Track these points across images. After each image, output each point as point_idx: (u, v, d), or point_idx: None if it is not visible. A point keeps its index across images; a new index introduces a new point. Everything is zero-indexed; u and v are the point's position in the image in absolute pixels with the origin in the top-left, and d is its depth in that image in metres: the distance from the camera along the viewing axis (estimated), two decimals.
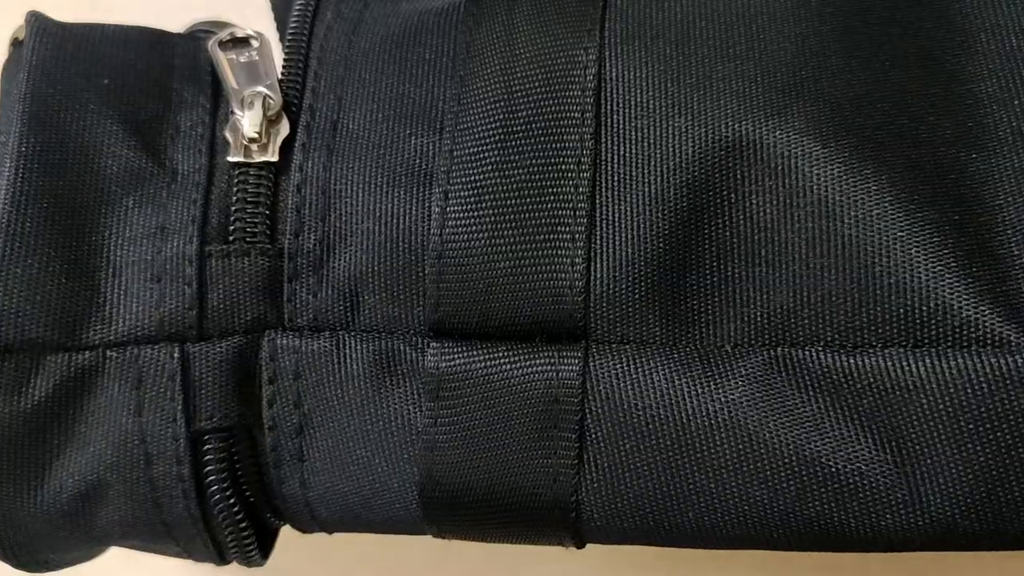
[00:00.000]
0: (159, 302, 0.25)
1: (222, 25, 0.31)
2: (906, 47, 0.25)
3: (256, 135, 0.25)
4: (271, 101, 0.26)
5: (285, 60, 0.27)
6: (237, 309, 0.25)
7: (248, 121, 0.26)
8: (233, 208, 0.25)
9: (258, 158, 0.26)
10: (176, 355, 0.24)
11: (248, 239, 0.25)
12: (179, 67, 0.27)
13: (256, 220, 0.25)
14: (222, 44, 0.27)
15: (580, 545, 0.25)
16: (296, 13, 0.28)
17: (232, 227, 0.25)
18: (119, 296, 0.25)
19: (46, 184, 0.24)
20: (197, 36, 0.29)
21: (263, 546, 0.27)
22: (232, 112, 0.26)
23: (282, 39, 0.31)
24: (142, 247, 0.25)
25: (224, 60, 0.27)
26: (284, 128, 0.26)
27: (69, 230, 0.25)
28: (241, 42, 0.27)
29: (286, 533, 0.28)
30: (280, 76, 0.27)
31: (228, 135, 0.26)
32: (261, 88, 0.26)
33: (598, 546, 0.25)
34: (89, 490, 0.25)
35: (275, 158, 0.26)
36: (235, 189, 0.25)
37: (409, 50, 0.26)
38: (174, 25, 0.30)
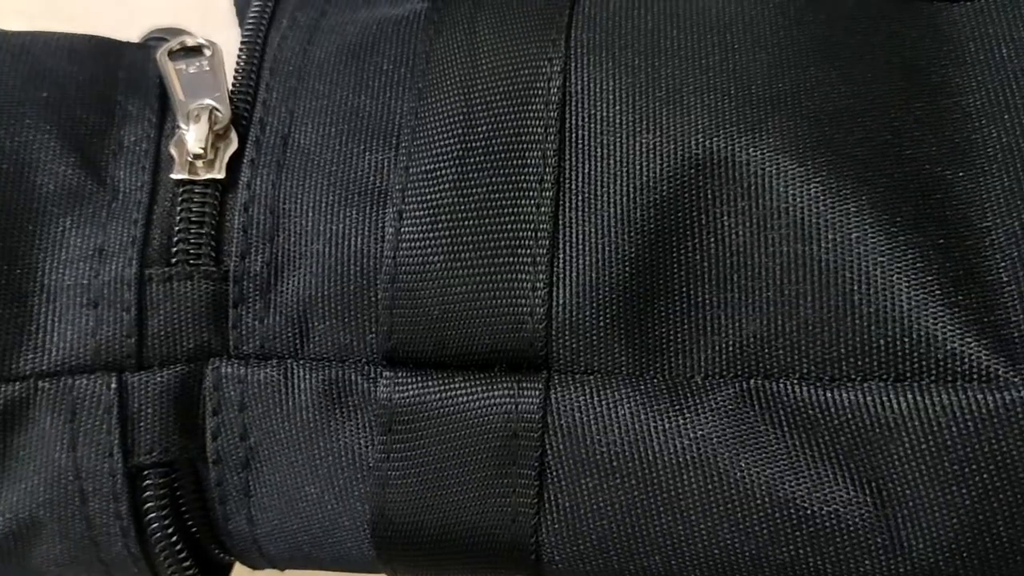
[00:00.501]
0: (95, 329, 0.23)
1: (177, 33, 0.29)
2: (890, 57, 0.23)
3: (201, 151, 0.24)
4: (219, 114, 0.25)
5: (237, 70, 0.26)
6: (179, 336, 0.24)
7: (193, 135, 0.24)
8: (176, 228, 0.24)
9: (204, 175, 0.24)
10: (113, 385, 0.23)
11: (191, 261, 0.24)
12: (124, 79, 0.26)
13: (200, 241, 0.24)
14: (172, 54, 0.26)
15: None
16: (251, 21, 0.27)
17: (175, 248, 0.24)
18: (53, 322, 0.23)
19: None
20: (148, 45, 0.27)
21: None
22: (178, 127, 0.25)
23: None
24: (79, 270, 0.23)
25: (172, 70, 0.25)
26: (233, 143, 0.25)
27: (1, 252, 0.23)
28: (193, 51, 0.26)
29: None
30: (232, 87, 0.25)
31: (173, 151, 0.25)
32: (209, 101, 0.25)
33: None
34: (22, 528, 0.23)
35: (222, 175, 0.24)
36: (179, 208, 0.24)
37: (366, 60, 0.25)
38: (135, 31, 0.29)
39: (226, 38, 0.32)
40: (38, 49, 0.26)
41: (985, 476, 0.20)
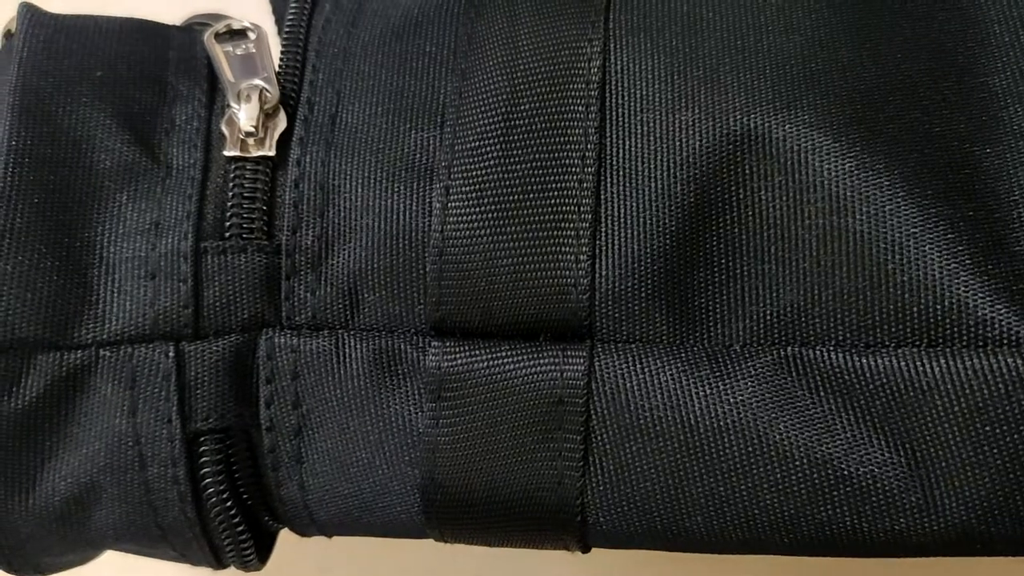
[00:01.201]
0: (153, 300, 0.24)
1: (219, 18, 0.30)
2: (918, 39, 0.24)
3: (253, 129, 0.25)
4: (268, 94, 0.25)
5: (283, 53, 0.27)
6: (234, 307, 0.24)
7: (245, 115, 0.25)
8: (229, 204, 0.25)
9: (255, 152, 0.25)
10: (171, 354, 0.24)
11: (245, 235, 0.25)
12: (174, 60, 0.27)
13: (253, 216, 0.25)
14: (218, 36, 0.27)
15: (585, 550, 0.25)
16: (294, 5, 0.27)
17: (228, 223, 0.25)
18: (112, 294, 0.24)
19: (37, 179, 0.24)
20: (193, 29, 0.28)
21: (261, 550, 0.26)
22: (228, 106, 0.25)
23: (280, 34, 0.31)
24: (136, 243, 0.24)
25: (220, 52, 0.26)
26: (281, 122, 0.25)
27: (61, 226, 0.24)
28: (238, 34, 0.27)
29: (285, 537, 0.28)
30: (277, 69, 0.26)
31: (224, 129, 0.25)
32: (258, 81, 0.26)
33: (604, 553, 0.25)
34: (82, 493, 0.24)
35: (272, 152, 0.25)
36: (231, 184, 0.25)
37: (409, 42, 0.26)
38: (172, 19, 0.30)
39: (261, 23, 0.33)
40: (91, 31, 0.26)
41: (1016, 436, 0.21)
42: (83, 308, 0.24)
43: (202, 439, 0.24)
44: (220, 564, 0.26)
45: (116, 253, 0.24)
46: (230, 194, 0.25)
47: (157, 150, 0.25)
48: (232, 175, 0.25)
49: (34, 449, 0.24)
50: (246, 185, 0.25)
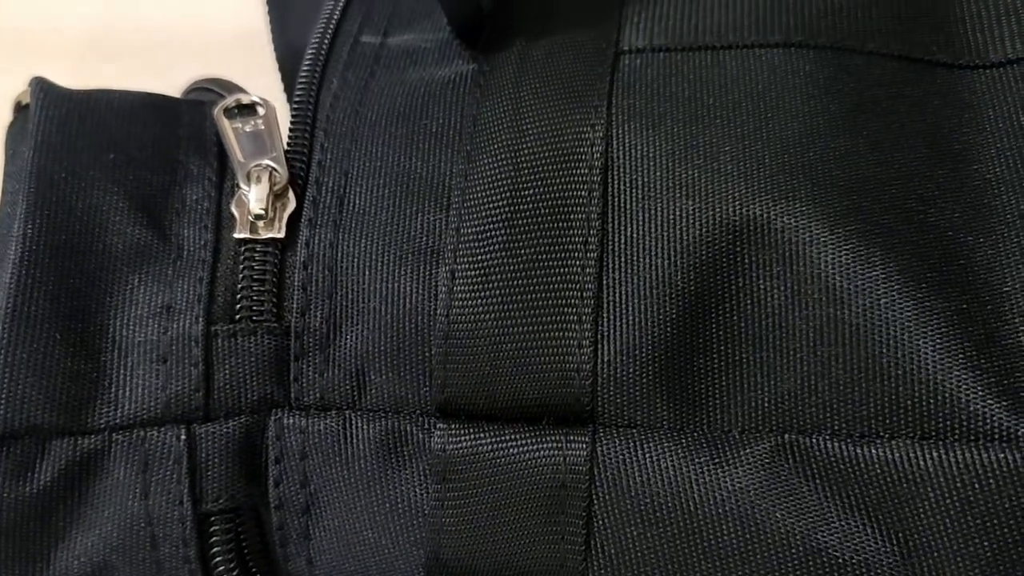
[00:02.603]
0: (165, 384, 0.25)
1: (224, 85, 0.31)
2: (913, 125, 0.25)
3: (262, 212, 0.25)
4: (277, 175, 0.26)
5: (291, 130, 0.27)
6: (244, 389, 0.25)
7: (254, 196, 0.26)
8: (240, 286, 0.25)
9: (264, 234, 0.26)
10: (182, 437, 0.24)
11: (255, 317, 0.25)
12: (184, 137, 0.27)
13: (263, 298, 0.25)
14: (227, 112, 0.27)
15: None
16: (302, 81, 0.28)
17: (239, 305, 0.25)
18: (125, 378, 0.25)
19: (52, 265, 0.24)
20: (203, 104, 0.29)
21: None
22: (238, 186, 0.26)
23: (287, 93, 0.31)
24: (148, 327, 0.25)
25: (230, 131, 0.27)
26: (291, 202, 0.26)
27: (75, 312, 0.25)
28: (246, 109, 0.27)
29: None
30: (286, 146, 0.27)
31: (234, 210, 0.26)
32: (267, 161, 0.26)
33: None
34: (96, 572, 0.25)
35: (281, 234, 0.26)
36: (241, 267, 0.25)
37: (416, 122, 0.26)
38: (176, 72, 0.30)
39: (266, 84, 0.34)
40: (102, 109, 0.27)
41: (1005, 530, 0.21)
42: (96, 393, 0.24)
43: (212, 519, 0.25)
44: None
45: (128, 337, 0.25)
46: (240, 276, 0.25)
47: (168, 231, 0.26)
48: (242, 257, 0.25)
49: (49, 531, 0.24)
50: (256, 267, 0.25)
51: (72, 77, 0.33)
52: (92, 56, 0.36)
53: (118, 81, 0.33)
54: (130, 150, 0.26)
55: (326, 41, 0.28)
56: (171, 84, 0.32)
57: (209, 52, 0.36)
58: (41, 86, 0.27)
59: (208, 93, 0.31)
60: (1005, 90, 0.25)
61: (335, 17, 0.29)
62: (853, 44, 0.26)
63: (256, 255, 0.25)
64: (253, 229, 0.26)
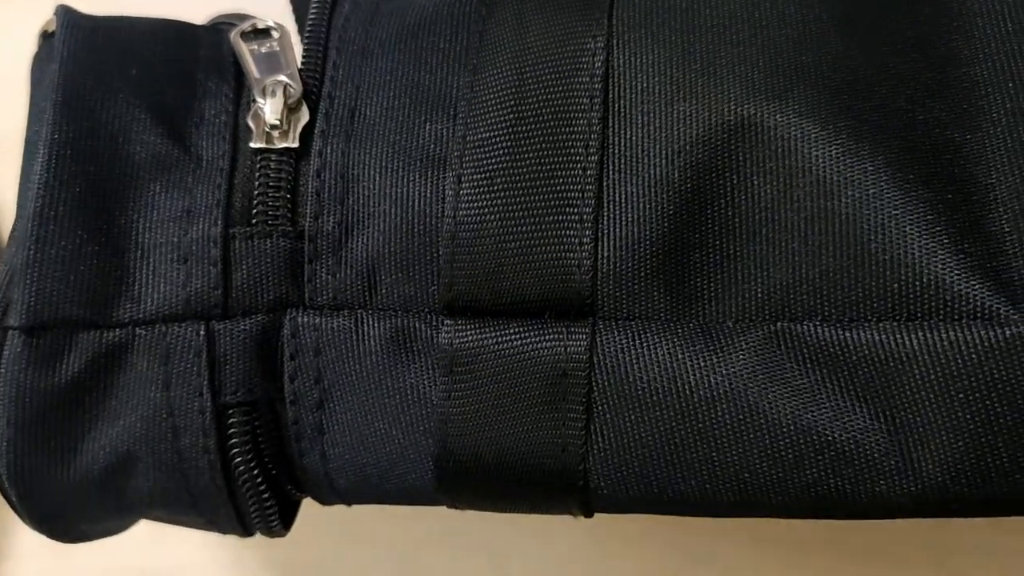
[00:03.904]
0: (186, 282, 0.26)
1: (243, 17, 0.32)
2: (904, 31, 0.25)
3: (277, 122, 0.26)
4: (291, 89, 0.27)
5: (305, 50, 0.28)
6: (260, 288, 0.26)
7: (269, 108, 0.27)
8: (256, 192, 0.26)
9: (279, 144, 0.27)
10: (202, 332, 0.26)
11: (270, 222, 0.26)
12: (204, 58, 0.28)
13: (278, 203, 0.26)
14: (244, 35, 0.28)
15: (588, 514, 0.26)
16: (315, 4, 0.29)
17: (255, 210, 0.26)
18: (148, 276, 0.26)
19: (78, 169, 0.26)
20: (220, 28, 0.30)
21: (284, 517, 0.28)
22: (254, 100, 0.27)
23: (300, 32, 0.32)
24: (169, 230, 0.26)
25: (246, 50, 0.28)
26: (304, 115, 0.27)
27: (100, 213, 0.26)
28: (262, 33, 0.29)
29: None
30: (300, 65, 0.28)
31: (251, 122, 0.27)
32: (282, 77, 0.27)
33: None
34: (120, 462, 0.26)
35: (295, 144, 0.27)
36: (257, 174, 0.27)
37: (424, 39, 0.27)
38: (196, 18, 0.31)
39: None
40: (125, 30, 0.28)
41: (988, 403, 0.22)
42: (121, 290, 0.26)
43: (231, 411, 0.26)
44: (246, 530, 0.28)
45: (151, 239, 0.26)
46: (256, 183, 0.26)
47: (188, 143, 0.27)
48: (258, 165, 0.27)
49: (76, 421, 0.26)
50: (271, 175, 0.26)
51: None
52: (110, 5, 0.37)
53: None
54: (152, 68, 0.28)
55: None
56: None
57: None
58: (67, 11, 0.28)
59: (229, 25, 0.32)
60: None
61: None
62: None
63: (272, 163, 0.27)
64: (269, 139, 0.27)
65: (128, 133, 0.26)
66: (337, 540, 0.41)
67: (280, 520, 0.28)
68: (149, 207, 0.26)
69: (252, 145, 0.27)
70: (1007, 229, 0.23)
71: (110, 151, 0.26)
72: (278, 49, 0.28)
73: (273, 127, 0.27)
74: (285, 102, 0.27)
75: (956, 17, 0.26)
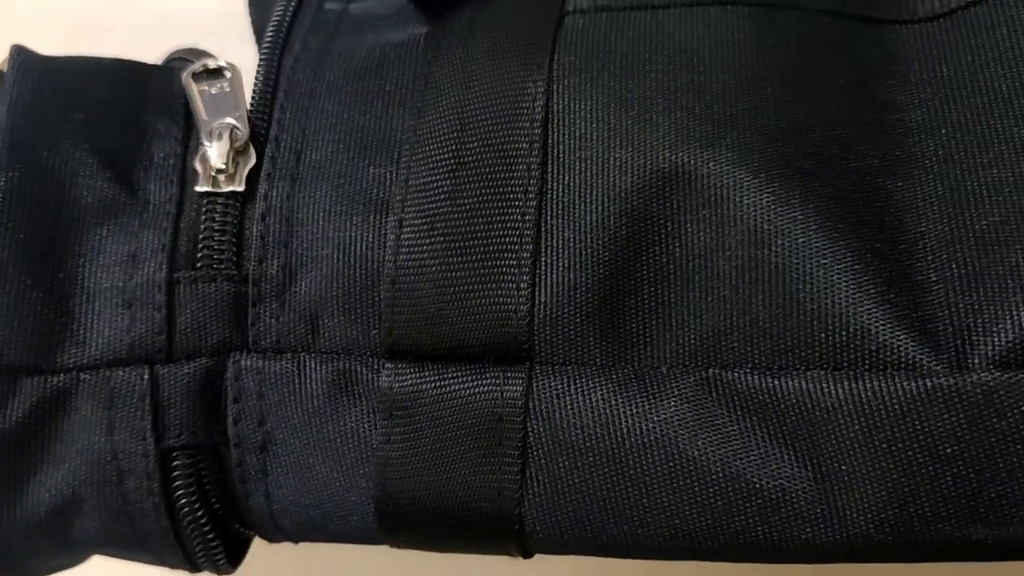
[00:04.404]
0: (130, 327, 0.26)
1: (199, 54, 0.32)
2: (842, 77, 0.26)
3: (223, 166, 0.27)
4: (238, 132, 0.27)
5: (255, 91, 0.29)
6: (204, 332, 0.26)
7: (215, 152, 0.27)
8: (201, 236, 0.27)
9: (226, 188, 0.27)
10: (146, 377, 0.26)
11: (215, 265, 0.27)
12: (153, 99, 0.29)
13: (223, 248, 0.27)
14: (195, 76, 0.29)
15: (527, 555, 0.26)
16: (267, 44, 0.29)
17: (200, 254, 0.27)
18: (93, 321, 0.26)
19: (23, 215, 0.26)
20: (173, 67, 0.30)
21: (232, 555, 0.28)
22: (202, 144, 0.27)
23: None
24: (115, 274, 0.26)
25: (196, 92, 0.28)
26: (251, 157, 0.27)
27: (45, 258, 0.26)
28: (214, 73, 0.29)
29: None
30: (250, 107, 0.28)
31: (198, 166, 0.27)
32: (230, 119, 0.28)
33: None
34: (65, 504, 0.26)
35: (241, 187, 0.27)
36: (203, 218, 0.27)
37: (370, 82, 0.28)
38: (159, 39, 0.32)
39: (242, 53, 0.35)
40: (75, 74, 0.28)
41: (909, 453, 0.22)
42: (66, 335, 0.26)
43: (175, 454, 0.26)
44: (195, 568, 0.28)
45: (96, 283, 0.26)
46: (202, 227, 0.27)
47: (136, 186, 0.27)
48: (204, 209, 0.27)
49: (21, 465, 0.26)
50: (216, 219, 0.27)
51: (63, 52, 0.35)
52: (82, 33, 0.38)
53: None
54: (101, 111, 0.28)
55: (290, 9, 0.30)
56: (158, 57, 0.33)
57: (195, 26, 0.38)
58: (20, 51, 0.28)
59: (184, 62, 0.33)
60: (930, 43, 0.26)
61: None
62: (787, 1, 0.27)
63: (217, 207, 0.27)
64: (215, 183, 0.27)
65: (75, 178, 0.27)
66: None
67: (227, 558, 0.28)
68: (95, 251, 0.27)
69: (198, 189, 0.27)
70: (934, 278, 0.23)
71: (56, 196, 0.27)
72: (229, 90, 0.28)
73: (219, 171, 0.27)
74: (231, 145, 0.27)
75: (893, 61, 0.26)
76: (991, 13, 0.26)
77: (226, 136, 0.27)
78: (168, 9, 0.40)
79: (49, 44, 0.33)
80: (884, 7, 0.27)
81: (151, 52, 0.35)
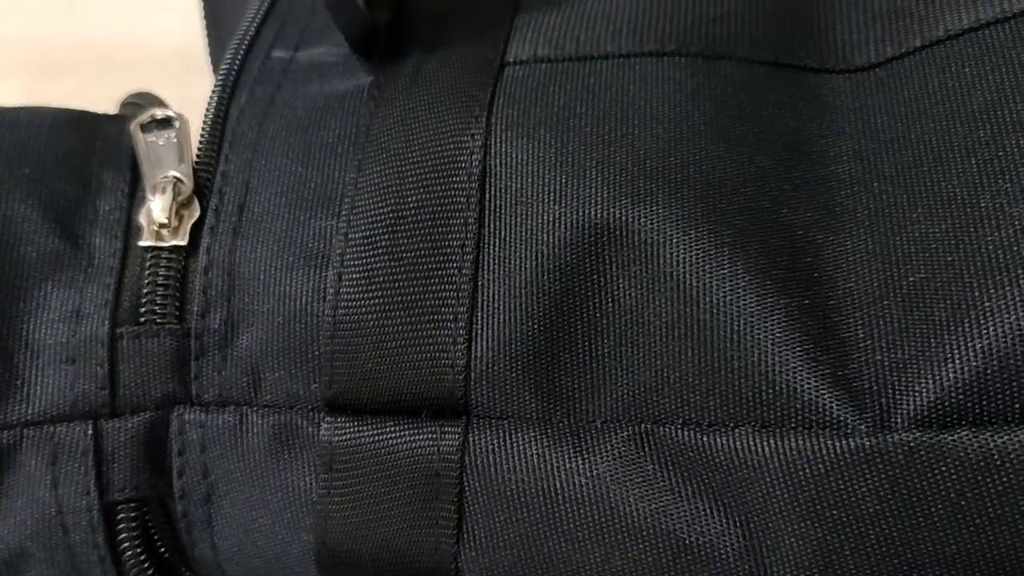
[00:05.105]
0: (73, 383, 0.26)
1: (151, 100, 0.32)
2: (775, 129, 0.26)
3: (166, 221, 0.27)
4: (182, 185, 0.28)
5: (200, 142, 0.29)
6: (147, 386, 0.27)
7: (158, 206, 0.27)
8: (144, 291, 0.27)
9: (169, 241, 0.27)
10: (89, 432, 0.26)
11: (158, 320, 0.27)
12: (100, 151, 0.29)
13: (166, 302, 0.27)
14: (143, 126, 0.29)
15: None
16: (213, 96, 0.30)
17: (143, 308, 0.27)
18: (37, 377, 0.26)
19: None
20: (122, 117, 0.31)
21: None
22: (146, 196, 0.28)
23: None
24: (58, 330, 0.27)
25: (143, 143, 0.29)
26: (196, 210, 0.28)
27: None
28: (162, 123, 0.29)
29: None
30: (196, 156, 0.28)
31: (142, 220, 0.28)
32: (174, 173, 0.28)
33: None
34: (13, 557, 0.27)
35: (184, 242, 0.27)
36: (147, 272, 0.27)
37: (313, 133, 0.28)
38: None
39: (201, 87, 0.35)
40: (23, 126, 0.29)
41: (834, 512, 0.23)
42: (10, 391, 0.26)
43: (119, 507, 0.27)
44: None
45: (40, 339, 0.27)
46: (145, 281, 0.27)
47: (81, 240, 0.28)
48: (148, 263, 0.27)
49: None
50: (160, 273, 0.27)
51: (21, 91, 0.35)
52: (40, 71, 0.38)
53: (65, 95, 0.35)
54: (46, 164, 0.28)
55: (239, 57, 0.30)
56: (116, 96, 0.34)
57: (153, 65, 0.38)
58: None
59: (136, 107, 0.33)
60: (866, 94, 0.26)
61: (250, 33, 0.31)
62: (724, 51, 0.27)
63: (161, 261, 0.27)
64: (158, 237, 0.27)
65: (20, 234, 0.27)
66: None
67: None
68: (40, 307, 0.27)
69: (141, 244, 0.27)
70: (861, 335, 0.23)
71: (2, 255, 0.27)
72: (175, 141, 0.29)
73: (162, 225, 0.27)
74: (174, 199, 0.27)
75: (828, 112, 0.26)
76: (924, 64, 0.26)
77: (170, 190, 0.28)
78: (129, 44, 0.40)
79: (11, 81, 0.34)
80: (820, 56, 0.27)
81: (112, 88, 0.35)
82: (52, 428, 0.26)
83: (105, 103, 0.34)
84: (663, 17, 0.28)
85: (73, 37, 0.40)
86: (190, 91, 0.35)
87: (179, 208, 0.28)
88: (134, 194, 0.28)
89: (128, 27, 0.40)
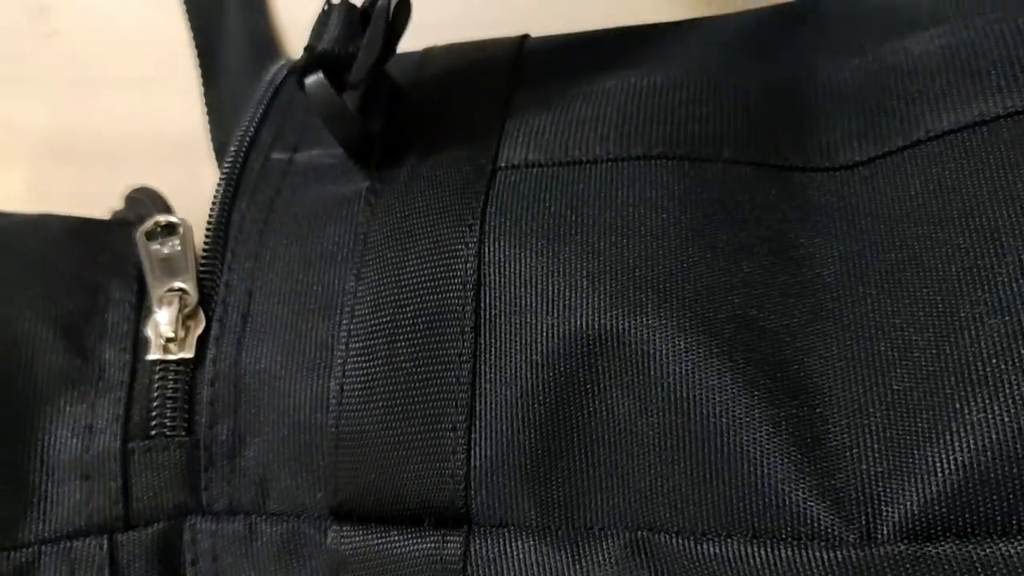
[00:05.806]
0: (87, 499, 0.27)
1: (152, 196, 0.33)
2: (762, 232, 0.26)
3: (172, 335, 0.28)
4: (187, 298, 0.28)
5: (205, 248, 0.30)
6: (160, 498, 0.28)
7: (165, 320, 0.28)
8: (154, 404, 0.28)
9: (176, 354, 0.28)
10: (104, 546, 0.27)
11: (168, 433, 0.28)
12: (105, 263, 0.30)
13: (175, 415, 0.28)
14: (148, 234, 0.30)
15: None
16: (215, 202, 0.30)
17: (153, 422, 0.28)
18: (52, 494, 0.27)
19: None
20: (129, 223, 0.31)
21: None
22: (152, 310, 0.29)
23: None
24: (72, 446, 0.28)
25: (148, 254, 0.29)
26: (201, 321, 0.29)
27: (5, 437, 0.27)
28: (167, 229, 0.30)
29: None
30: (200, 264, 0.29)
31: (149, 333, 0.28)
32: (178, 284, 0.29)
33: None
34: None
35: (191, 354, 0.28)
36: (156, 386, 0.28)
37: (312, 242, 0.29)
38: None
39: (208, 172, 0.36)
40: (26, 238, 0.30)
41: None
42: (26, 510, 0.27)
43: None
44: None
45: (55, 456, 0.28)
46: (154, 395, 0.28)
47: (91, 354, 0.28)
48: (156, 377, 0.28)
49: None
50: (168, 386, 0.28)
51: (28, 179, 0.36)
52: (47, 159, 0.39)
53: (72, 183, 0.36)
54: (53, 280, 0.29)
55: (239, 160, 0.31)
56: (122, 184, 0.34)
57: (160, 153, 0.39)
58: None
59: (138, 203, 0.34)
60: (850, 193, 0.27)
61: (249, 133, 0.32)
62: (710, 153, 0.28)
63: (169, 375, 0.28)
64: (166, 350, 0.28)
65: (32, 352, 0.28)
66: None
67: None
68: (54, 423, 0.28)
69: (149, 358, 0.28)
70: (847, 443, 0.24)
71: (14, 372, 0.28)
72: (180, 249, 0.30)
73: (168, 339, 0.28)
74: (180, 311, 0.28)
75: (814, 212, 0.27)
76: (906, 165, 0.26)
77: (176, 303, 0.28)
78: (134, 129, 0.41)
79: (16, 166, 0.35)
80: (804, 154, 0.28)
81: (118, 175, 0.36)
82: (69, 544, 0.27)
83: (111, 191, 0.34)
84: (650, 119, 0.28)
85: (81, 125, 0.40)
86: (196, 175, 0.36)
87: (185, 319, 0.28)
88: (141, 306, 0.29)
89: (131, 112, 0.40)
